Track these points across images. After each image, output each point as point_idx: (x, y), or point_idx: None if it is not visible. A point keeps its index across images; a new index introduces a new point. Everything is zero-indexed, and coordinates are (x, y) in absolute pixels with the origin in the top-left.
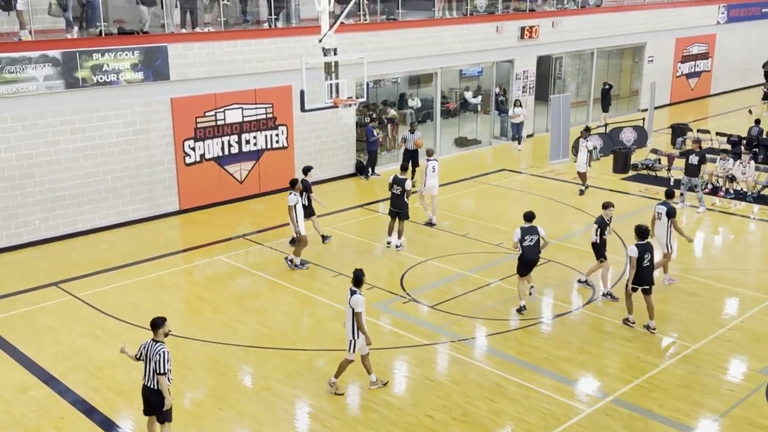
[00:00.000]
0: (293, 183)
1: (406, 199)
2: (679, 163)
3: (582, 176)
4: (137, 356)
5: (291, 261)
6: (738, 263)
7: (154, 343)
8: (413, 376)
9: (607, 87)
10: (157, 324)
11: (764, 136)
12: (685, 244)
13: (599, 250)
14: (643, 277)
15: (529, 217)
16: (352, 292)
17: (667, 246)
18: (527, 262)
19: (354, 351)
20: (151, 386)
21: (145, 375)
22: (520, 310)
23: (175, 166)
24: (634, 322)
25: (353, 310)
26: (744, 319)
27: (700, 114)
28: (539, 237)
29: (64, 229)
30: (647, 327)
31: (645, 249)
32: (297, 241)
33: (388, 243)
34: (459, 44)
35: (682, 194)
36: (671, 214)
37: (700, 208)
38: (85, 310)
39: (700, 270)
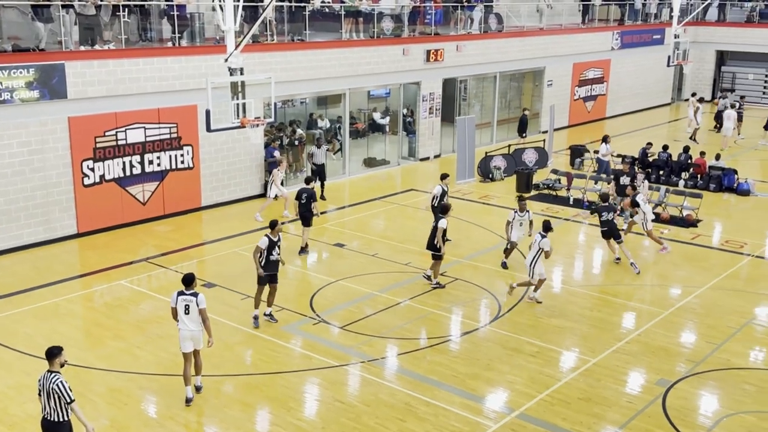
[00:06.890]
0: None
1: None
2: (579, 183)
3: (510, 251)
4: (39, 392)
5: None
6: (634, 279)
7: (50, 374)
8: (323, 399)
9: (525, 113)
10: (52, 353)
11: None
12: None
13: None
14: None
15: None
16: (542, 236)
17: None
18: None
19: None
20: (52, 419)
21: (43, 408)
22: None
23: (73, 188)
24: None
25: (543, 249)
26: (641, 332)
27: (596, 136)
28: None
29: None
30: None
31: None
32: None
33: (256, 317)
34: (367, 66)
35: None
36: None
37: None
38: None
39: (598, 286)
